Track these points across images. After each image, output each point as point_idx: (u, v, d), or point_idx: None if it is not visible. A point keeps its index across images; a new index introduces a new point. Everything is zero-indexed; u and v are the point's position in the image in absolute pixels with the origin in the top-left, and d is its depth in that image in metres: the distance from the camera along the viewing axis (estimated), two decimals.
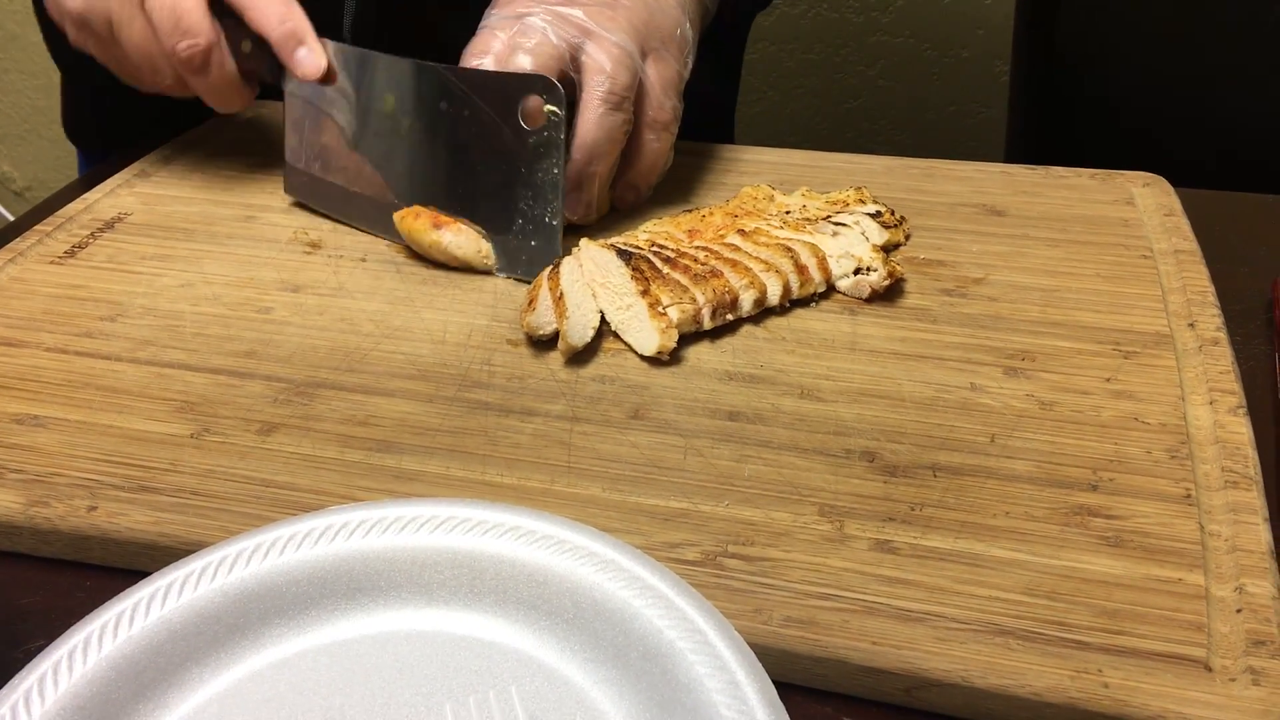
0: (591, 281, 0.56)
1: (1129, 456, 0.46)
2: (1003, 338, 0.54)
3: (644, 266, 0.55)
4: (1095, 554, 0.41)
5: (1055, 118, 1.09)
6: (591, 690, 0.35)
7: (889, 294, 0.57)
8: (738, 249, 0.57)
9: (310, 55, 0.62)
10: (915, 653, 0.37)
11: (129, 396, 0.51)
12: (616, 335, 0.55)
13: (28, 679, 0.33)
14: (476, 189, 0.61)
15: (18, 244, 0.63)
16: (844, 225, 0.60)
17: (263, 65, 0.64)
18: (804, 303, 0.57)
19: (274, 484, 0.45)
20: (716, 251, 0.57)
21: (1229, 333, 0.53)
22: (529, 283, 0.58)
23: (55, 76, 0.94)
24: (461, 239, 0.60)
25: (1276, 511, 0.44)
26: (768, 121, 1.66)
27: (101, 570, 0.44)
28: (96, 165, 0.82)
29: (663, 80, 0.63)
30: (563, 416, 0.49)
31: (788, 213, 0.62)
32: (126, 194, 0.70)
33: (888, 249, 0.61)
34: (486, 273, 0.61)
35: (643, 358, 0.53)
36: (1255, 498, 0.43)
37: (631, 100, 0.61)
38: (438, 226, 0.60)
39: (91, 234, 0.65)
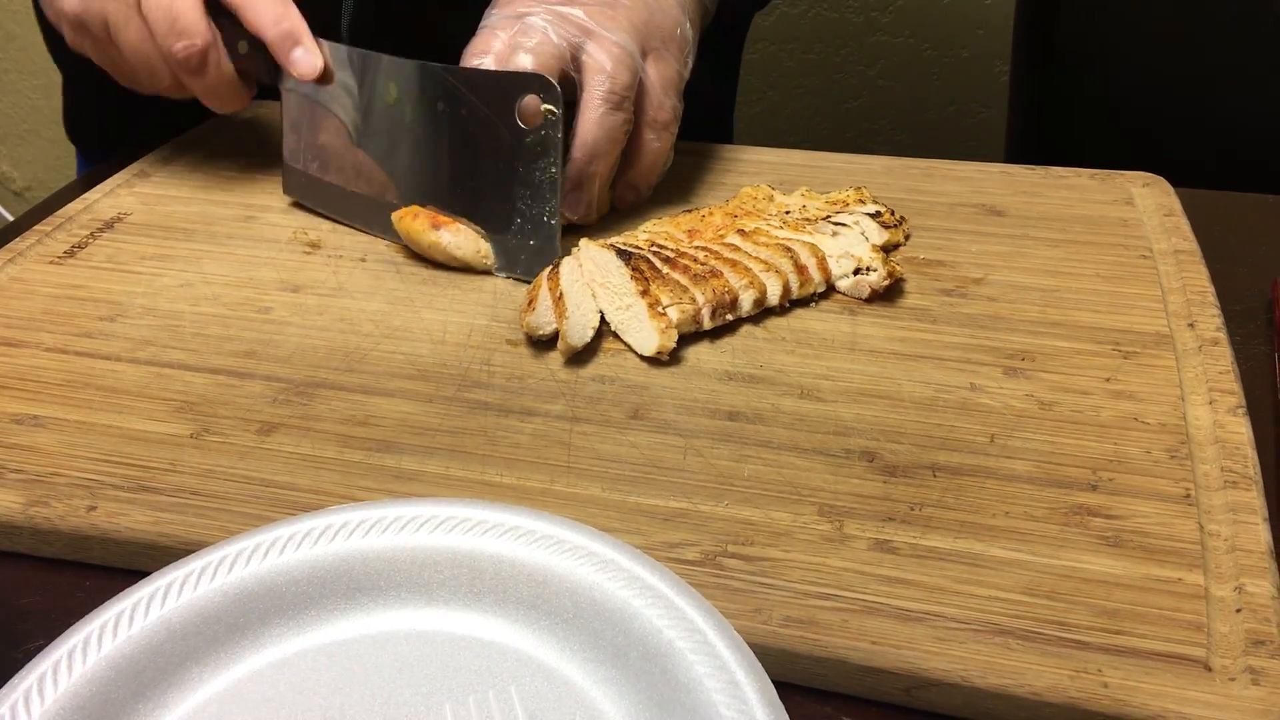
0: (591, 281, 0.56)
1: (1128, 456, 0.46)
2: (1002, 338, 0.54)
3: (644, 266, 0.55)
4: (1095, 554, 0.41)
5: (1055, 118, 1.09)
6: (591, 690, 0.35)
7: (889, 294, 0.57)
8: (737, 249, 0.57)
9: (306, 55, 0.62)
10: (915, 652, 0.37)
11: (129, 396, 0.51)
12: (616, 335, 0.55)
13: (27, 679, 0.33)
14: (474, 188, 0.61)
15: (17, 244, 0.63)
16: (844, 225, 0.60)
17: (259, 66, 0.64)
18: (804, 303, 0.57)
19: (274, 484, 0.45)
20: (716, 251, 0.57)
21: (1229, 333, 0.53)
22: (528, 282, 0.58)
23: (55, 76, 0.94)
24: (460, 239, 0.60)
25: (1276, 511, 0.44)
26: (767, 121, 1.66)
27: (101, 570, 0.44)
28: (96, 165, 0.82)
29: (663, 80, 0.63)
30: (562, 416, 0.49)
31: (787, 213, 0.62)
32: (126, 194, 0.70)
33: (887, 249, 0.61)
34: (486, 273, 0.61)
35: (642, 358, 0.53)
36: (1255, 498, 0.43)
37: (632, 100, 0.61)
38: (436, 227, 0.60)
39: (91, 234, 0.65)
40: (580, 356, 0.53)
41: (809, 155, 0.74)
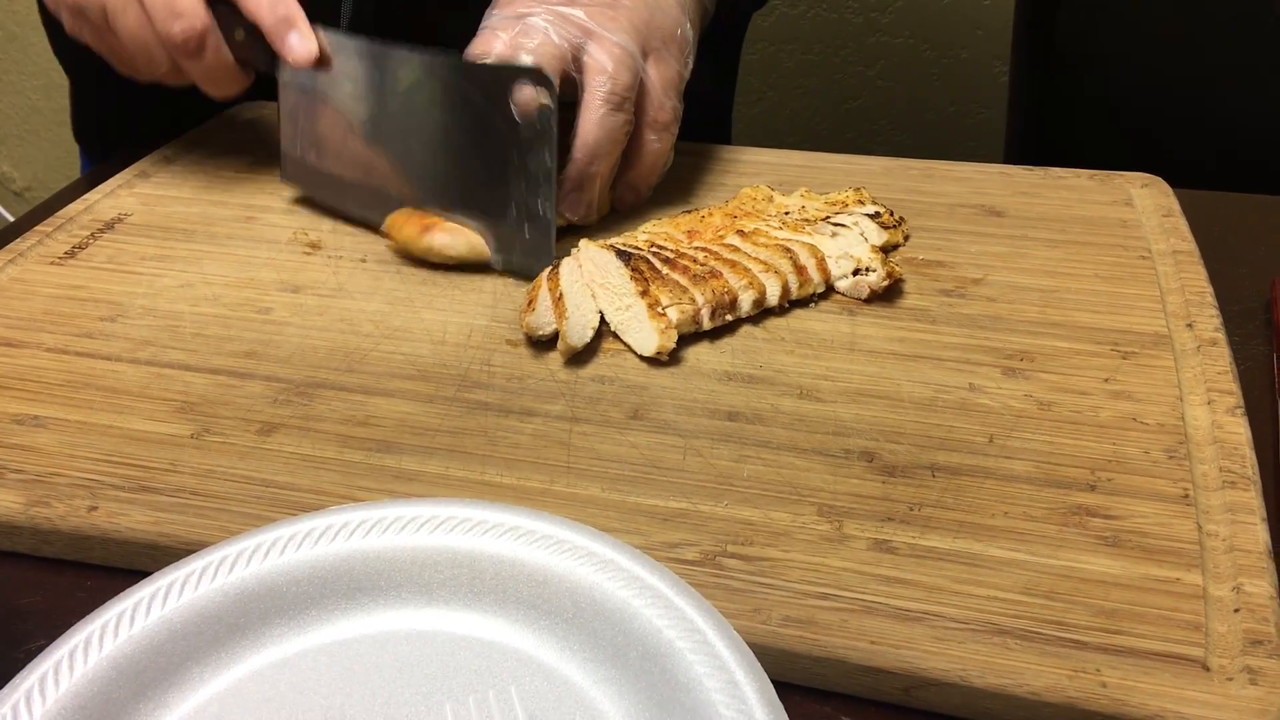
0: (591, 282, 0.56)
1: (1127, 457, 0.46)
2: (1001, 338, 0.54)
3: (643, 267, 0.55)
4: (1093, 554, 0.41)
5: (1054, 119, 1.09)
6: (591, 690, 0.35)
7: (888, 294, 0.57)
8: (737, 250, 0.57)
9: (302, 41, 0.62)
10: (914, 652, 0.38)
11: (129, 397, 0.51)
12: (616, 336, 0.55)
13: (29, 678, 0.33)
14: (470, 178, 0.61)
15: (18, 244, 0.63)
16: (843, 226, 0.60)
17: (256, 53, 0.64)
18: (803, 303, 0.57)
19: (274, 484, 0.45)
20: (716, 252, 0.57)
21: (1227, 333, 0.54)
22: (527, 274, 0.58)
23: (55, 77, 0.94)
24: (452, 238, 0.60)
25: (1274, 511, 0.44)
26: (767, 122, 1.66)
27: (102, 570, 0.44)
28: (98, 165, 0.82)
29: (663, 80, 0.63)
30: (562, 417, 0.49)
31: (787, 213, 0.62)
32: (127, 195, 0.70)
33: (887, 250, 0.61)
34: (484, 270, 0.61)
35: (642, 358, 0.53)
36: (1253, 498, 0.43)
37: (633, 100, 0.61)
38: (427, 230, 0.60)
39: (92, 234, 0.65)
40: (580, 357, 0.53)
41: (808, 156, 0.74)
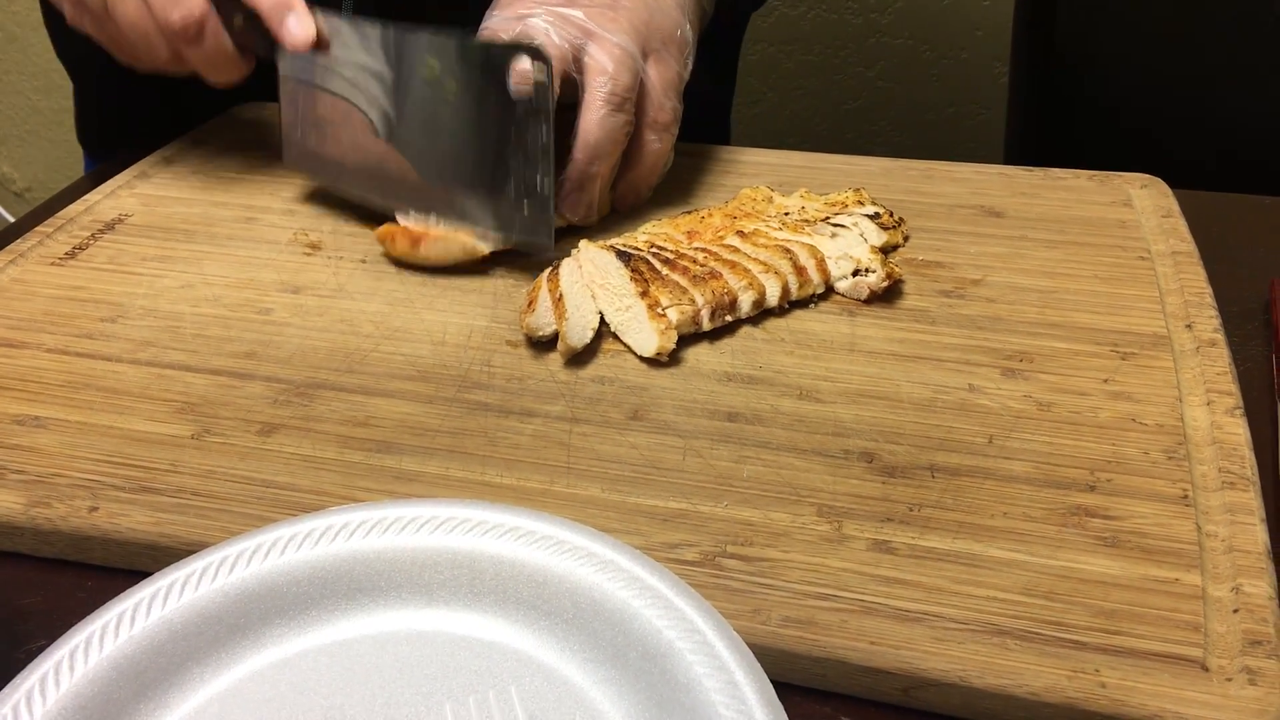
0: (591, 283, 0.56)
1: (1126, 457, 0.46)
2: (1001, 339, 0.54)
3: (643, 268, 0.55)
4: (1092, 554, 0.41)
5: (1054, 119, 1.10)
6: (591, 690, 0.35)
7: (887, 295, 0.57)
8: (737, 250, 0.57)
9: (299, 24, 0.62)
10: (913, 653, 0.38)
11: (130, 397, 0.51)
12: (616, 336, 0.55)
13: (29, 679, 0.33)
14: (468, 156, 0.61)
15: (18, 245, 0.63)
16: (843, 227, 0.60)
17: (256, 39, 0.64)
18: (803, 304, 0.57)
19: (274, 484, 0.45)
20: (715, 253, 0.57)
21: (1226, 334, 0.54)
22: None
23: (56, 79, 0.94)
24: (444, 246, 0.60)
25: (1273, 512, 0.44)
26: (766, 123, 1.66)
27: (103, 570, 0.44)
28: (99, 166, 0.82)
29: (663, 81, 0.63)
30: (562, 417, 0.49)
31: (786, 214, 0.62)
32: (127, 195, 0.70)
33: (886, 250, 0.61)
34: (484, 269, 0.61)
35: (642, 359, 0.53)
36: (1252, 498, 0.43)
37: (633, 101, 0.61)
38: (416, 243, 0.60)
39: (92, 235, 0.65)
40: (580, 357, 0.53)
41: (808, 157, 0.74)
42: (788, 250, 0.57)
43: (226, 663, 0.36)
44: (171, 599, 0.36)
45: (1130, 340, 0.54)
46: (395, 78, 0.62)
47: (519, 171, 0.59)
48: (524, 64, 0.57)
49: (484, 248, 0.60)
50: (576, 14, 0.61)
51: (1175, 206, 0.66)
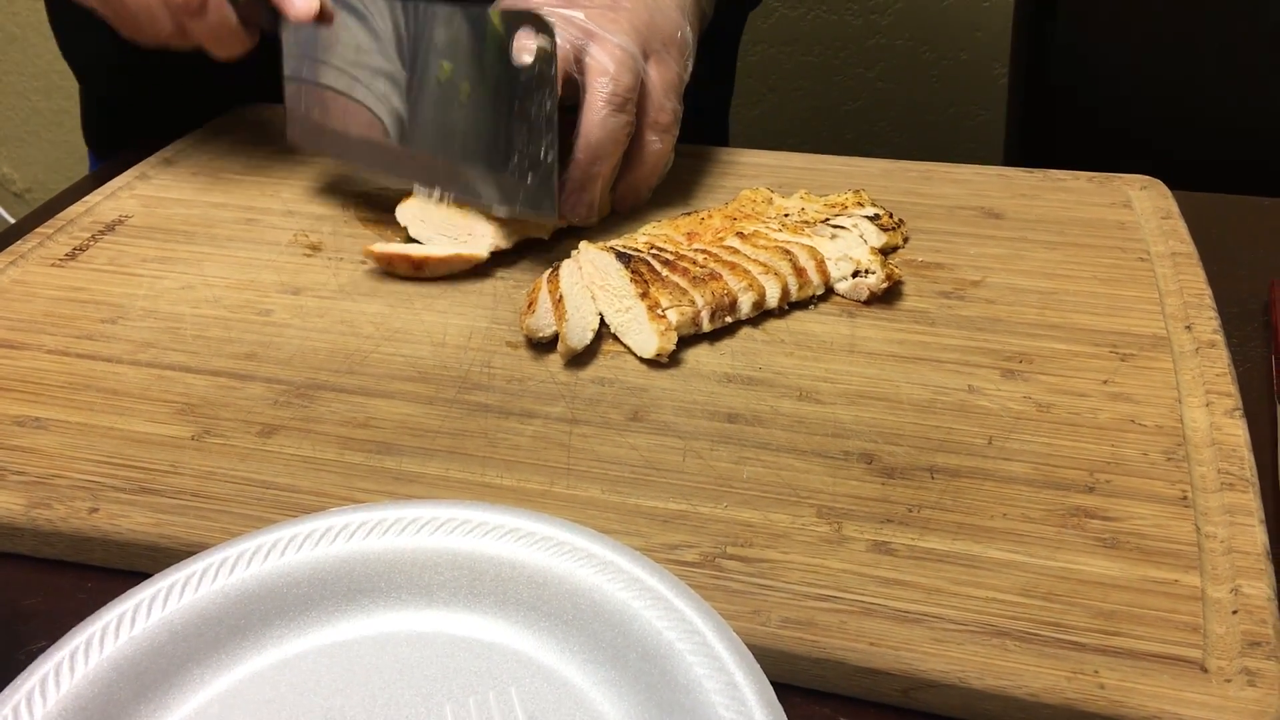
0: (591, 284, 0.56)
1: (1126, 458, 0.46)
2: (1000, 340, 0.54)
3: (643, 269, 0.55)
4: (1092, 555, 0.41)
5: (1053, 121, 1.10)
6: (591, 691, 0.35)
7: (887, 296, 0.57)
8: (736, 252, 0.57)
9: None
10: (913, 654, 0.38)
11: (130, 399, 0.51)
12: (616, 337, 0.55)
13: (30, 679, 0.33)
14: (472, 127, 0.60)
15: (19, 246, 0.64)
16: (842, 228, 0.60)
17: (259, 13, 0.64)
18: (802, 305, 0.58)
19: (275, 486, 0.45)
20: (715, 254, 0.57)
21: (1226, 335, 0.54)
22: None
23: (56, 79, 0.94)
24: (445, 267, 0.60)
25: (1272, 513, 0.44)
26: (766, 124, 1.66)
27: (103, 571, 0.44)
28: (101, 167, 0.82)
29: (664, 82, 0.63)
30: (562, 418, 0.49)
31: (786, 215, 0.62)
32: (127, 196, 0.70)
33: (886, 252, 0.61)
34: (484, 271, 0.61)
35: (642, 360, 0.53)
36: (1251, 499, 0.44)
37: (634, 102, 0.61)
38: (418, 268, 0.60)
39: (92, 236, 0.65)
40: (580, 358, 0.54)
41: (808, 158, 0.74)
42: (787, 251, 0.57)
43: (227, 664, 0.36)
44: (172, 600, 0.36)
45: (1130, 341, 0.54)
46: (397, 50, 0.62)
47: (523, 142, 0.59)
48: (527, 35, 0.57)
49: (484, 253, 0.60)
50: (577, 15, 0.61)
51: (1174, 208, 0.66)
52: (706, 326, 0.54)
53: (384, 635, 0.37)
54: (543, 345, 0.54)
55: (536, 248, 0.63)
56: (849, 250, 0.58)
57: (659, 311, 0.53)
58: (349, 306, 0.58)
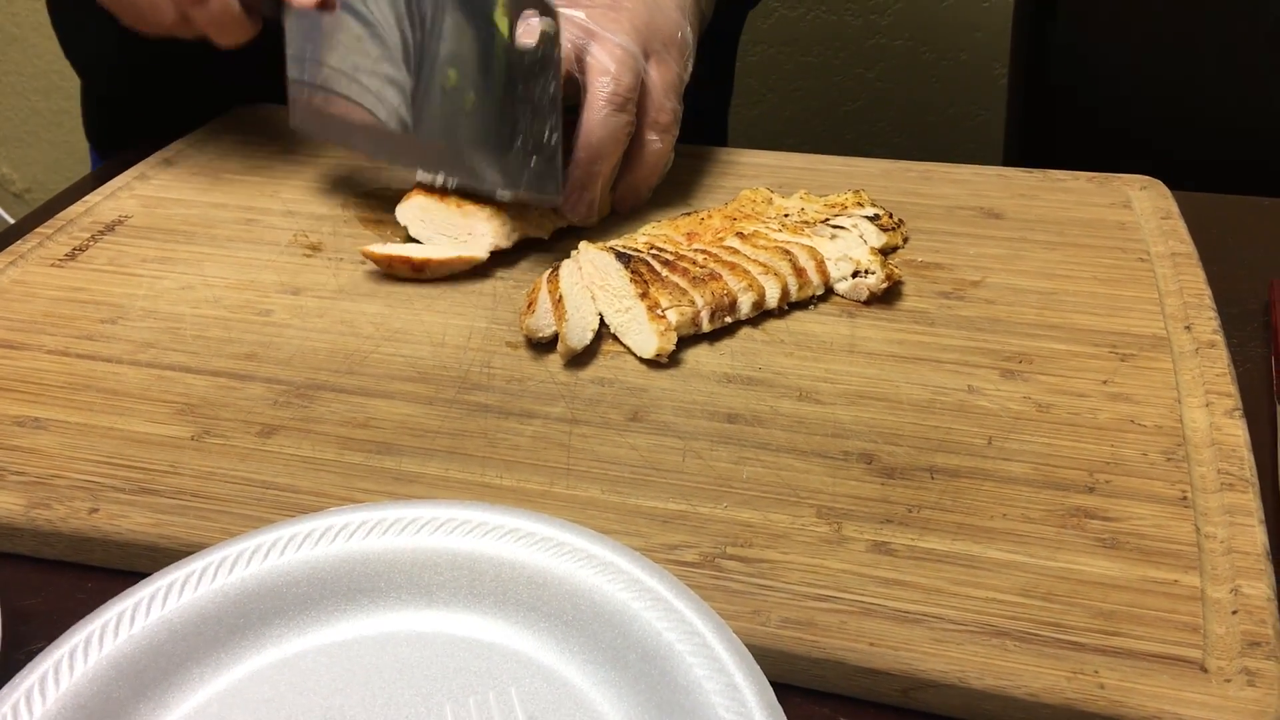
0: (590, 284, 0.56)
1: (1125, 459, 0.46)
2: (1000, 340, 0.54)
3: (643, 269, 0.55)
4: (1091, 556, 0.41)
5: (1053, 120, 1.10)
6: (590, 691, 0.35)
7: (887, 297, 0.58)
8: (736, 252, 0.57)
9: None
10: (912, 654, 0.38)
11: (130, 399, 0.51)
12: (615, 338, 0.55)
13: (29, 677, 0.33)
14: (475, 110, 0.60)
15: (18, 246, 0.64)
16: (842, 228, 0.61)
17: (262, 0, 0.63)
18: (802, 305, 0.58)
19: (274, 486, 0.45)
20: (715, 254, 0.57)
21: (1225, 335, 0.54)
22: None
23: (56, 79, 0.94)
24: (446, 269, 0.60)
25: (1272, 513, 0.44)
26: (766, 124, 1.66)
27: (103, 572, 0.44)
28: (101, 166, 0.82)
29: (664, 82, 0.63)
30: (562, 419, 0.49)
31: (786, 216, 0.63)
32: (127, 197, 0.70)
33: (886, 252, 0.61)
34: (485, 271, 0.61)
35: (642, 360, 0.53)
36: (1251, 500, 0.44)
37: (635, 101, 0.61)
38: (419, 270, 0.60)
39: (92, 237, 0.65)
40: (580, 359, 0.54)
41: (807, 158, 0.74)
42: (787, 252, 0.57)
43: (226, 663, 0.36)
44: (171, 599, 0.36)
45: (1129, 342, 0.54)
46: (399, 34, 0.62)
47: (527, 125, 0.59)
48: (531, 17, 0.57)
49: (484, 255, 0.60)
50: (578, 14, 0.61)
51: (1174, 208, 0.66)
52: (706, 327, 0.54)
53: (384, 635, 0.37)
54: (542, 345, 0.54)
55: (536, 248, 0.63)
56: (849, 250, 0.58)
57: (659, 312, 0.53)
58: (349, 307, 0.58)
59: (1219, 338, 0.53)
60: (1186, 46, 1.01)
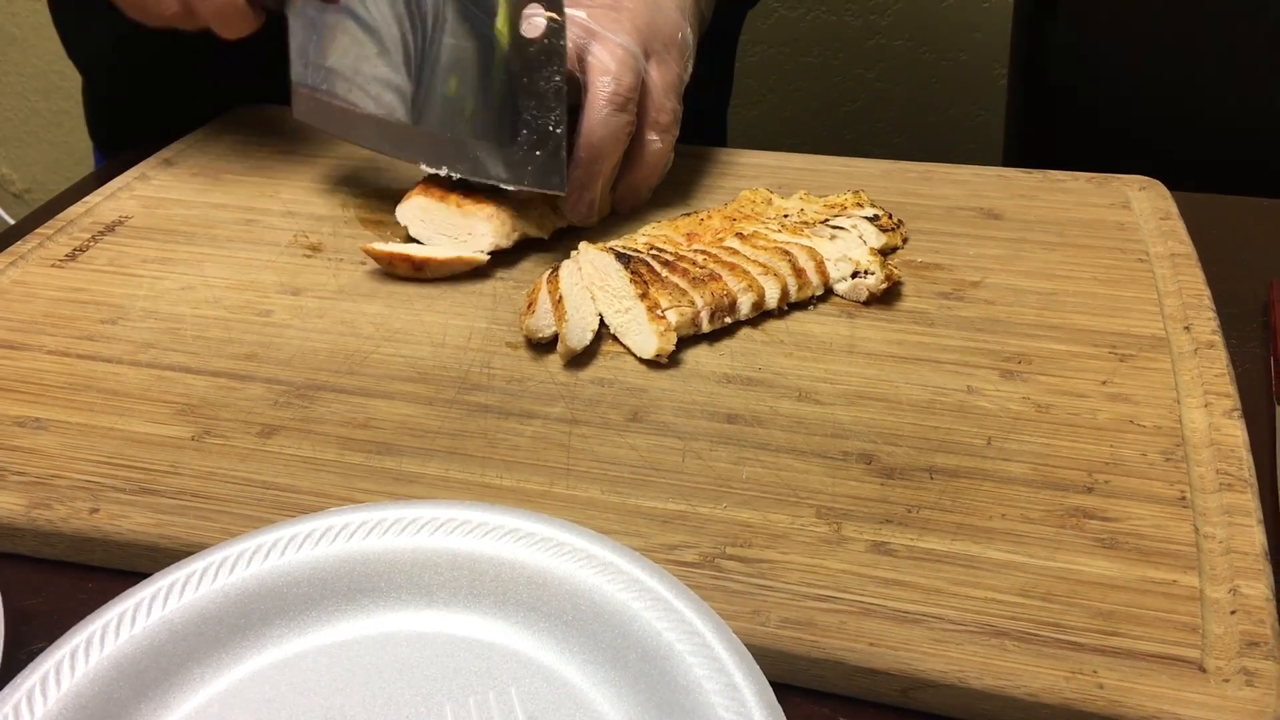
0: (590, 285, 0.56)
1: (1124, 459, 0.46)
2: (999, 341, 0.54)
3: (643, 270, 0.55)
4: (1090, 556, 0.41)
5: (1052, 121, 1.10)
6: (590, 691, 0.35)
7: (886, 297, 0.58)
8: (736, 252, 0.57)
9: None
10: (912, 654, 0.38)
11: (130, 399, 0.51)
12: (615, 338, 0.55)
13: (30, 678, 0.33)
14: (479, 102, 0.61)
15: (19, 247, 0.64)
16: (842, 229, 0.61)
17: None
18: (802, 306, 0.58)
19: (275, 486, 0.46)
20: (715, 255, 0.57)
21: (1224, 336, 0.54)
22: (527, 270, 0.58)
23: (55, 79, 0.94)
24: (446, 268, 0.60)
25: (1270, 514, 0.45)
26: (765, 124, 1.66)
27: (104, 572, 0.44)
28: (102, 166, 0.82)
29: (664, 82, 0.63)
30: (562, 419, 0.49)
31: (786, 216, 0.63)
32: (127, 197, 0.70)
33: (885, 252, 0.61)
34: (485, 272, 0.61)
35: (641, 360, 0.53)
36: (1249, 500, 0.44)
37: (635, 101, 0.61)
38: (419, 268, 0.60)
39: (92, 237, 0.65)
40: (579, 359, 0.54)
41: (807, 159, 0.74)
42: (787, 252, 0.57)
43: (227, 663, 0.36)
44: (172, 599, 0.36)
45: (1128, 342, 0.54)
46: (404, 26, 0.62)
47: (531, 117, 0.59)
48: (536, 8, 0.57)
49: (484, 255, 0.60)
50: (580, 14, 0.61)
51: (1173, 208, 0.66)
52: (706, 327, 0.54)
53: (384, 635, 0.37)
54: (542, 346, 0.54)
55: (536, 248, 0.63)
56: (848, 251, 0.58)
57: (658, 312, 0.53)
58: (349, 307, 0.58)
59: (1218, 338, 0.53)
60: (1186, 46, 1.01)
